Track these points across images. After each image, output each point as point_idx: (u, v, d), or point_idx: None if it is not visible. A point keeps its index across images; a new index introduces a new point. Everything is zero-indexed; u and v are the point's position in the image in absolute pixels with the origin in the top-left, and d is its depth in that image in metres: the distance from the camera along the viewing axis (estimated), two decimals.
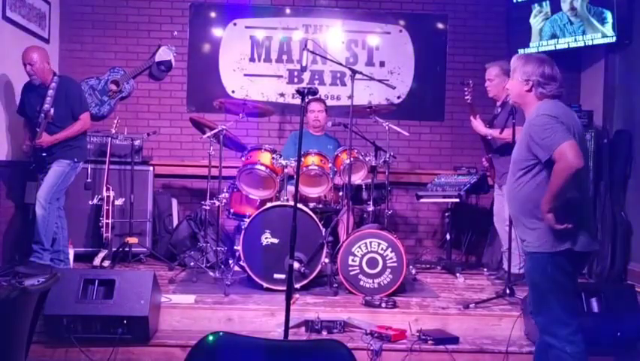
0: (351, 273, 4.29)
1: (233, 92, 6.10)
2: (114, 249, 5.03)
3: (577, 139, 2.75)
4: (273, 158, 4.57)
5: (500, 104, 4.75)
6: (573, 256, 2.79)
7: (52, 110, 4.49)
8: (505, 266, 4.62)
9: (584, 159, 2.72)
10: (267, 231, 4.33)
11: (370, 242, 4.29)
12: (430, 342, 3.66)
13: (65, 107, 4.61)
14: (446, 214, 5.44)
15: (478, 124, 4.75)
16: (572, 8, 5.54)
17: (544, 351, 2.90)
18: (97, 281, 3.63)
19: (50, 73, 4.65)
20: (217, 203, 4.72)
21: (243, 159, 4.70)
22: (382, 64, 6.18)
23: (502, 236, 4.82)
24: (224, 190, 4.80)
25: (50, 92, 4.58)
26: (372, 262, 4.27)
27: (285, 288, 3.00)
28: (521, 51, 5.94)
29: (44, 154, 4.61)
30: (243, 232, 4.41)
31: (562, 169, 2.67)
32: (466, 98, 4.70)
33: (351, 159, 4.59)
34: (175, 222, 5.74)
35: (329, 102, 5.79)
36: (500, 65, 4.76)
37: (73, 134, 4.66)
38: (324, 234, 4.33)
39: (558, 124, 2.74)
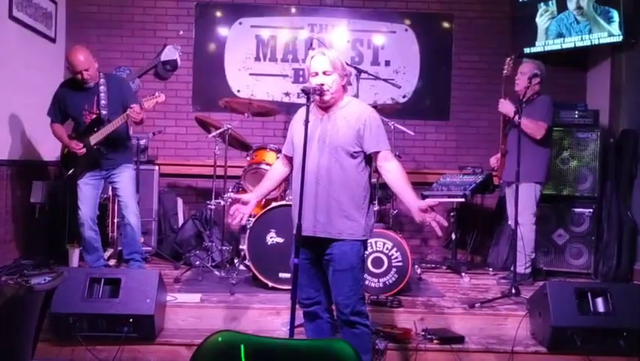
0: None
1: (238, 91, 6.10)
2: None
3: None
4: (278, 157, 4.56)
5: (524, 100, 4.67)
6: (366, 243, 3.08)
7: (106, 115, 4.32)
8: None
9: None
10: (272, 230, 4.34)
11: (375, 242, 4.29)
12: (435, 341, 3.66)
13: (118, 102, 4.37)
14: (451, 214, 5.42)
15: (507, 103, 4.64)
16: (579, 7, 5.52)
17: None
18: (103, 280, 3.64)
19: (98, 70, 4.45)
20: (222, 202, 4.73)
21: (248, 158, 4.71)
22: (388, 63, 6.17)
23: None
24: (230, 190, 4.81)
25: (102, 88, 4.36)
26: (377, 262, 4.27)
27: (290, 287, 3.00)
28: (527, 50, 5.94)
29: (104, 153, 4.38)
30: (248, 231, 4.41)
31: (400, 167, 2.99)
32: (504, 71, 4.60)
33: None
34: (180, 221, 5.75)
35: None
36: (537, 63, 4.77)
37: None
38: None
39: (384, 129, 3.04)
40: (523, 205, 4.43)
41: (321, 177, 2.95)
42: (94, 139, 4.33)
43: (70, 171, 4.43)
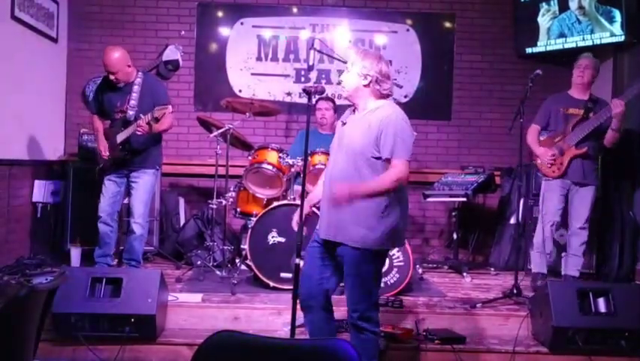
0: None
1: (240, 91, 6.10)
2: (121, 247, 5.04)
3: None
4: (279, 157, 4.57)
5: (587, 99, 4.60)
6: (385, 252, 3.06)
7: (136, 117, 4.28)
8: (531, 266, 4.70)
9: None
10: (274, 230, 4.34)
11: None
12: (436, 342, 3.66)
13: (149, 102, 4.32)
14: (453, 214, 5.42)
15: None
16: (581, 7, 5.52)
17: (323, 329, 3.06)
18: (104, 280, 3.64)
19: (134, 71, 4.40)
20: (224, 202, 4.73)
21: (250, 158, 4.71)
22: (389, 63, 6.15)
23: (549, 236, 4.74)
24: (231, 189, 4.81)
25: (136, 87, 4.35)
26: None
27: (291, 287, 3.00)
28: (529, 50, 5.93)
29: (126, 153, 4.37)
30: (249, 230, 4.42)
31: (395, 180, 2.83)
32: None
33: None
34: (182, 221, 5.75)
35: (336, 101, 5.78)
36: (595, 60, 4.65)
37: (165, 128, 4.47)
38: None
39: (411, 138, 2.95)
40: (590, 208, 4.50)
41: (337, 182, 2.90)
42: (120, 137, 4.35)
43: (101, 165, 4.46)
